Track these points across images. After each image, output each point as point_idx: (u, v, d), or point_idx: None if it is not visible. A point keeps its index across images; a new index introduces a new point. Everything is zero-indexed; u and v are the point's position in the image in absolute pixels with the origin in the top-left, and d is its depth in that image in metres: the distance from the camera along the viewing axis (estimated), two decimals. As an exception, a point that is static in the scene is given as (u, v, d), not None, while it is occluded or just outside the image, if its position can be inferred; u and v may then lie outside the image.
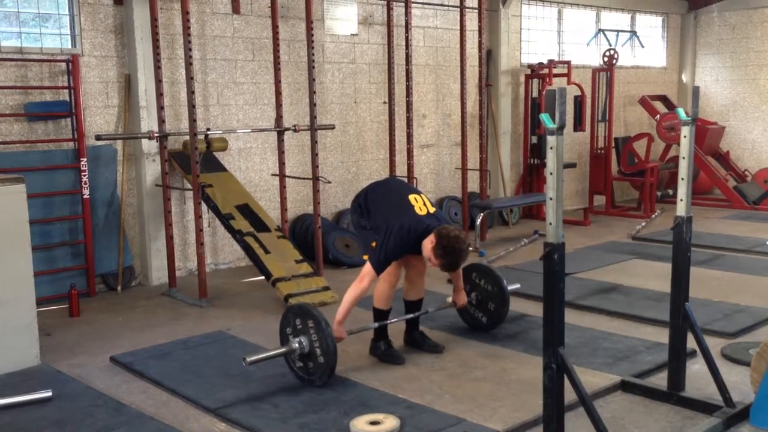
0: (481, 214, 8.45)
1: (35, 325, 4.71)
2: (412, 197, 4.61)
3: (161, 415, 3.95)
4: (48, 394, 4.11)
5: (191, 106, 6.02)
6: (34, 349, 4.70)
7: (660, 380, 4.15)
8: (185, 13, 5.96)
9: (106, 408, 4.00)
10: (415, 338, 4.91)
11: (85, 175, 6.32)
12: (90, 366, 4.72)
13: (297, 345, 4.23)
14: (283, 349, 4.30)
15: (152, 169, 6.76)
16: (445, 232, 4.32)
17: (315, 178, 6.85)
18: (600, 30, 11.40)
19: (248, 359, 4.11)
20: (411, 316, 4.88)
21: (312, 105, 6.76)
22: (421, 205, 4.57)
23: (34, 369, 4.62)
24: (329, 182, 7.75)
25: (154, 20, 6.31)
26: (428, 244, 4.37)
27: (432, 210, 4.59)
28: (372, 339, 4.75)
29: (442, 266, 4.43)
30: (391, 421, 3.67)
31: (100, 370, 4.64)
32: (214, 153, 7.02)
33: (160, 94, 6.35)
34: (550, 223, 2.99)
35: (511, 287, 5.29)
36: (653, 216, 9.90)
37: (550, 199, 2.98)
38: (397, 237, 4.40)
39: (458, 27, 8.64)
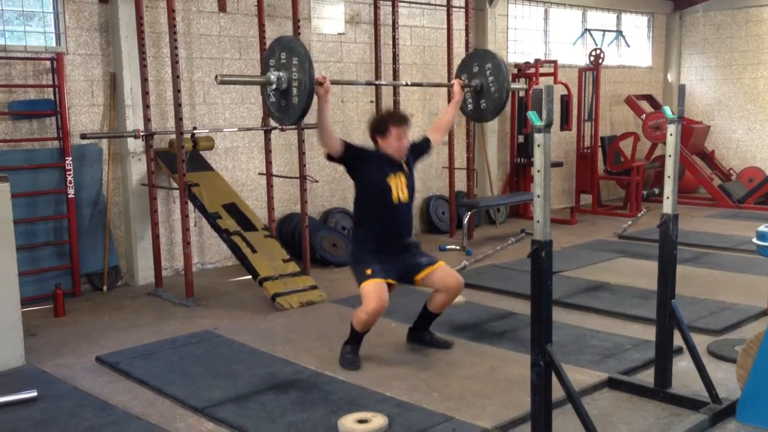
0: (468, 213, 8.46)
1: (20, 325, 4.66)
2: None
3: (148, 414, 3.92)
4: (33, 394, 4.07)
5: (177, 105, 5.99)
6: (18, 350, 4.65)
7: (647, 377, 4.17)
8: (171, 11, 5.93)
9: (92, 408, 3.97)
10: (423, 336, 4.89)
11: (70, 175, 6.27)
12: (75, 366, 4.69)
13: (274, 78, 4.12)
14: (260, 79, 4.21)
15: (138, 169, 6.72)
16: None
17: (302, 177, 6.83)
18: (586, 30, 11.45)
19: (220, 77, 4.03)
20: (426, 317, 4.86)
21: (299, 104, 6.73)
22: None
23: (19, 369, 4.58)
24: (316, 181, 7.73)
25: (139, 18, 6.28)
26: (384, 143, 4.50)
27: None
28: (345, 342, 4.63)
29: (395, 123, 4.48)
30: (379, 420, 3.66)
31: (86, 371, 4.60)
32: (201, 152, 6.98)
33: (145, 93, 6.32)
34: (538, 221, 2.99)
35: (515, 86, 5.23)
36: (639, 215, 9.95)
37: (538, 196, 2.98)
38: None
39: (445, 26, 8.66)
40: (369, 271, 4.45)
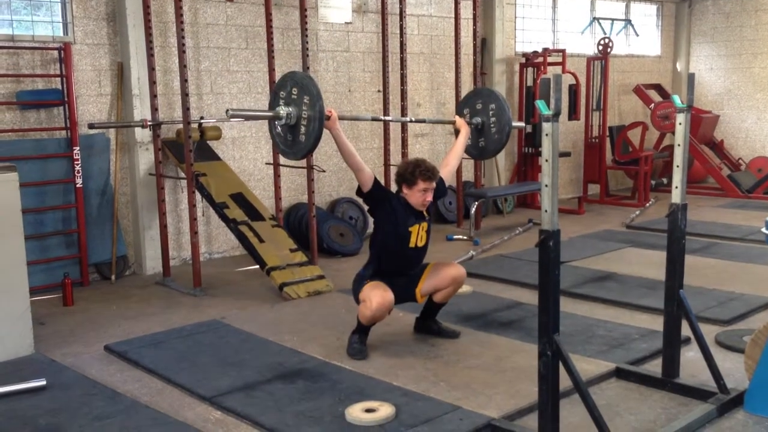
0: (476, 202, 8.45)
1: (29, 314, 4.69)
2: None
3: (156, 403, 3.94)
4: (42, 383, 4.09)
5: (184, 95, 5.99)
6: (27, 339, 4.68)
7: (654, 367, 4.16)
8: (178, 1, 5.92)
9: (101, 396, 3.99)
10: (430, 326, 4.90)
11: (78, 164, 6.28)
12: (84, 355, 4.71)
13: (284, 113, 4.13)
14: (269, 113, 4.21)
15: (145, 158, 6.73)
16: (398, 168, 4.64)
17: (309, 167, 6.83)
18: (595, 18, 11.39)
19: (231, 111, 4.05)
20: (430, 308, 4.87)
21: (306, 93, 6.72)
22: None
23: (28, 358, 4.60)
24: (324, 171, 7.72)
25: (146, 7, 6.28)
26: (409, 193, 4.51)
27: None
28: (353, 331, 4.65)
29: (424, 178, 4.51)
30: (386, 409, 3.67)
31: (95, 359, 4.63)
32: (208, 142, 6.99)
33: (153, 83, 6.32)
34: (546, 210, 2.98)
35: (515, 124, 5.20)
36: (647, 205, 9.92)
37: (546, 186, 2.97)
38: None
39: (453, 15, 8.62)
40: (368, 280, 4.51)
